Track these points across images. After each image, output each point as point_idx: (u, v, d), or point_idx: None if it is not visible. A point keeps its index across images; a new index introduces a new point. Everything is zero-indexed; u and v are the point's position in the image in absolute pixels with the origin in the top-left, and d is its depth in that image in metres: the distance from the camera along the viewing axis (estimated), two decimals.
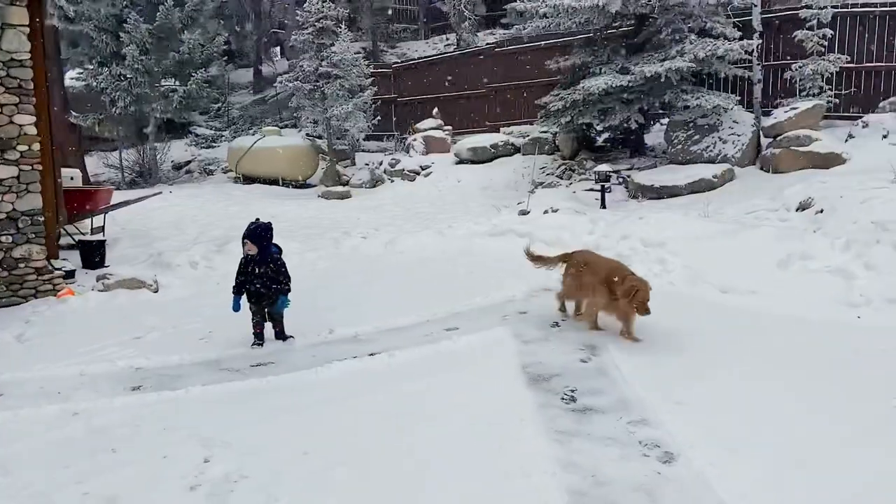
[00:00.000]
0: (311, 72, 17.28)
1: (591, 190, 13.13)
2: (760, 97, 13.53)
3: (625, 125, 13.76)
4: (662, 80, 12.70)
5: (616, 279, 6.14)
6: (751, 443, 4.22)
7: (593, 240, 9.35)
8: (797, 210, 10.11)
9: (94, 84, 18.91)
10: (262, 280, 6.27)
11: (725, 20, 13.26)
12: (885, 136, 11.94)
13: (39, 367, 5.88)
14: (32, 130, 8.00)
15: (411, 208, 14.27)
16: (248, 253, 6.29)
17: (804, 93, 13.18)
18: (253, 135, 20.53)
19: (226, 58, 24.15)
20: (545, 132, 16.13)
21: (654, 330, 6.22)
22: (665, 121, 15.30)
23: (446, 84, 20.48)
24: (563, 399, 5.05)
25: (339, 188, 16.77)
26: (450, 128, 19.04)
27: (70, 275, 8.41)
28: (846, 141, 12.21)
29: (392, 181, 17.41)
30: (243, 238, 6.30)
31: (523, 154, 16.60)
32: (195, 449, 4.34)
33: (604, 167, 12.42)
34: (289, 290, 6.36)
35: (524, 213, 11.56)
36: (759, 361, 5.59)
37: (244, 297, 6.36)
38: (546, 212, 11.34)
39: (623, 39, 14.20)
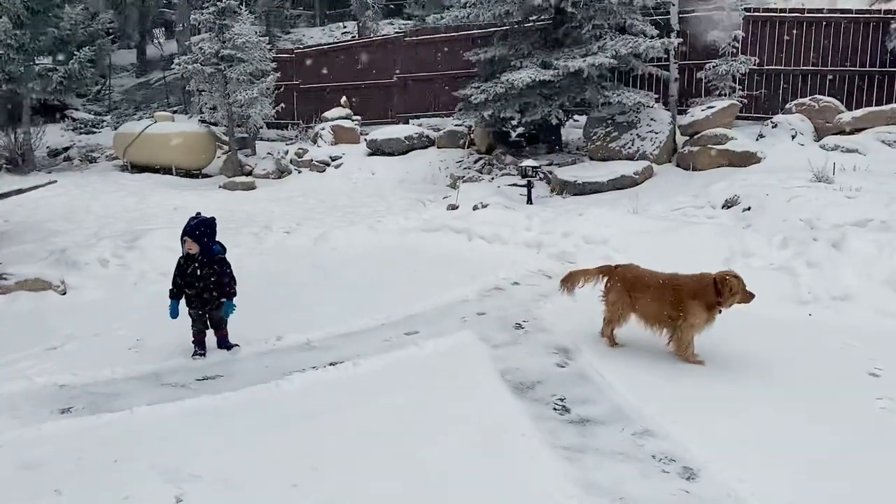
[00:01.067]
0: (211, 54, 16.16)
1: (515, 185, 12.94)
2: (677, 96, 13.80)
3: (545, 120, 13.65)
4: (585, 75, 12.68)
5: (705, 287, 5.41)
6: (770, 453, 4.05)
7: (532, 236, 9.13)
8: (723, 207, 10.31)
9: None
10: (205, 283, 5.58)
11: (644, 18, 13.41)
12: (793, 137, 12.43)
13: None
14: None
15: (327, 201, 13.60)
16: (188, 251, 5.58)
17: (716, 92, 13.56)
18: (140, 120, 19.06)
19: (111, 37, 22.33)
20: (459, 125, 15.86)
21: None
22: (579, 118, 15.40)
23: (353, 73, 19.79)
24: (555, 409, 4.73)
25: (244, 178, 15.80)
26: (359, 118, 18.40)
27: None
28: (757, 140, 12.64)
29: (300, 172, 16.60)
30: (182, 235, 5.59)
31: (438, 147, 16.25)
32: (160, 485, 3.69)
33: (529, 162, 12.26)
34: (235, 294, 5.70)
35: (453, 207, 11.20)
36: (738, 361, 5.49)
37: (183, 302, 5.64)
38: (476, 207, 11.02)
39: (542, 34, 14.09)
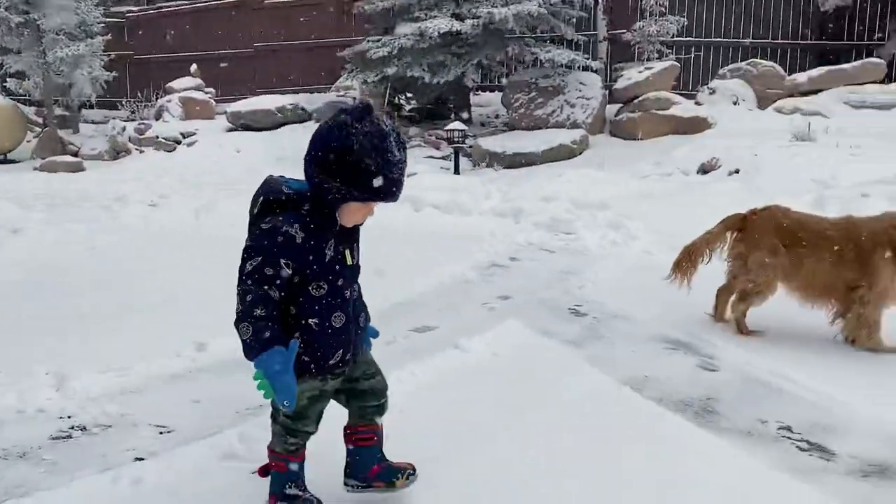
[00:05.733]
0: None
1: (431, 157, 10.69)
2: (606, 58, 12.18)
3: (459, 83, 11.51)
4: (510, 25, 10.67)
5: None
6: None
7: (508, 205, 6.93)
8: (700, 172, 8.70)
9: None
10: None
11: None
12: (735, 103, 11.17)
13: None
14: None
15: (190, 180, 10.57)
16: None
17: (645, 56, 12.09)
18: None
19: None
20: (342, 96, 13.41)
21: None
22: (482, 93, 13.43)
23: (203, 41, 16.57)
24: (801, 449, 2.52)
25: (68, 159, 12.27)
26: (212, 90, 15.28)
27: None
28: (698, 106, 11.26)
29: (141, 152, 13.22)
30: None
31: (317, 122, 13.57)
32: None
33: (456, 125, 10.03)
34: None
35: None
36: None
37: None
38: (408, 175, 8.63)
39: None
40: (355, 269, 2.03)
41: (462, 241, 5.91)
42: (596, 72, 11.73)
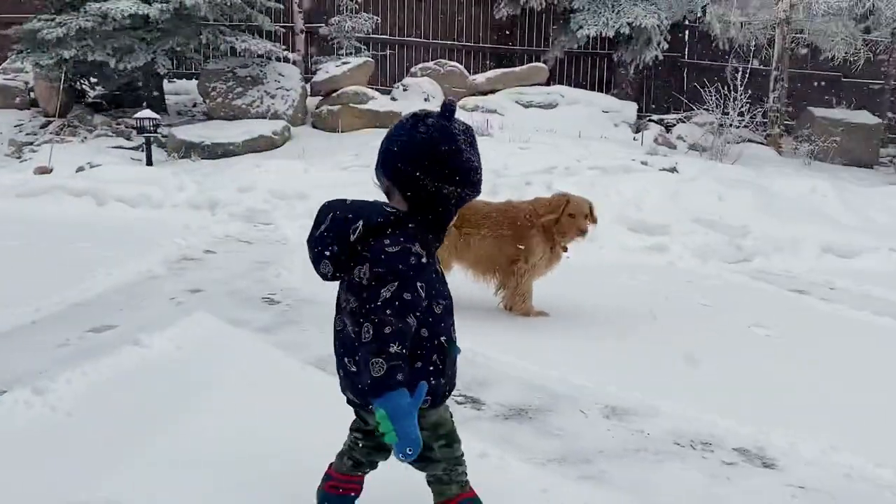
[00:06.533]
0: None
1: (121, 147, 9.97)
2: (305, 51, 12.27)
3: (150, 70, 10.84)
4: (203, 12, 10.31)
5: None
6: None
7: (203, 197, 6.71)
8: None
9: None
10: None
11: None
12: (426, 100, 11.96)
13: None
14: None
15: None
16: None
17: (342, 51, 12.45)
18: None
19: None
20: (11, 79, 11.90)
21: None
22: (179, 80, 12.82)
23: None
24: (459, 403, 2.87)
25: None
26: None
27: None
28: (393, 101, 11.88)
29: None
30: None
31: None
32: None
33: (146, 113, 9.44)
34: None
35: (44, 170, 7.93)
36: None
37: None
38: (81, 168, 7.96)
39: None
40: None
41: (151, 235, 5.65)
42: (294, 64, 11.80)
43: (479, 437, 2.55)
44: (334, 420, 2.08)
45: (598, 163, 8.32)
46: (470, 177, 1.76)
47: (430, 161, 1.71)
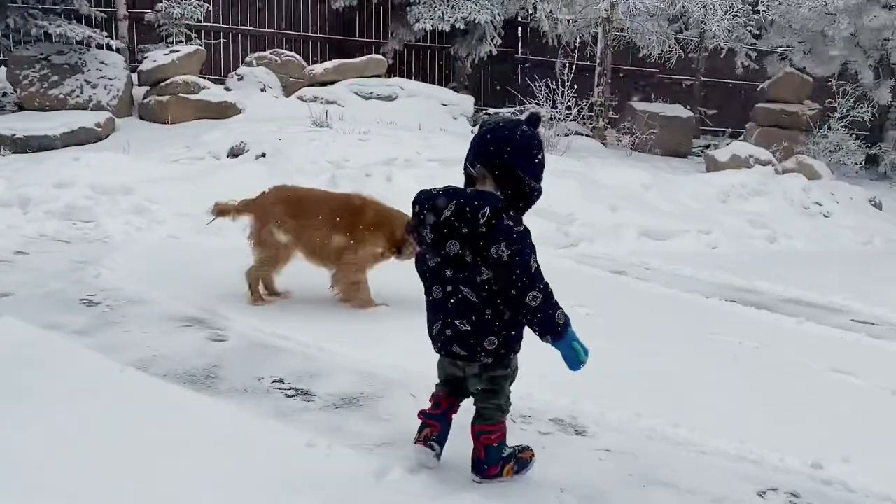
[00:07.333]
0: None
1: None
2: (130, 38, 11.56)
3: None
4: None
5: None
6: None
7: (10, 193, 6.18)
8: (230, 156, 8.90)
9: None
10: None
11: None
12: (263, 90, 11.68)
13: None
14: None
15: None
16: None
17: (170, 39, 11.87)
18: None
19: None
20: None
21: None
22: None
23: None
24: (288, 395, 2.87)
25: None
26: None
27: None
28: (227, 91, 11.48)
29: None
30: None
31: None
32: None
33: None
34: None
35: None
36: None
37: None
38: None
39: None
40: None
41: None
42: (118, 51, 11.11)
43: (306, 428, 2.57)
44: (154, 420, 2.02)
45: (438, 155, 8.51)
46: (542, 177, 2.31)
47: (538, 160, 2.27)
